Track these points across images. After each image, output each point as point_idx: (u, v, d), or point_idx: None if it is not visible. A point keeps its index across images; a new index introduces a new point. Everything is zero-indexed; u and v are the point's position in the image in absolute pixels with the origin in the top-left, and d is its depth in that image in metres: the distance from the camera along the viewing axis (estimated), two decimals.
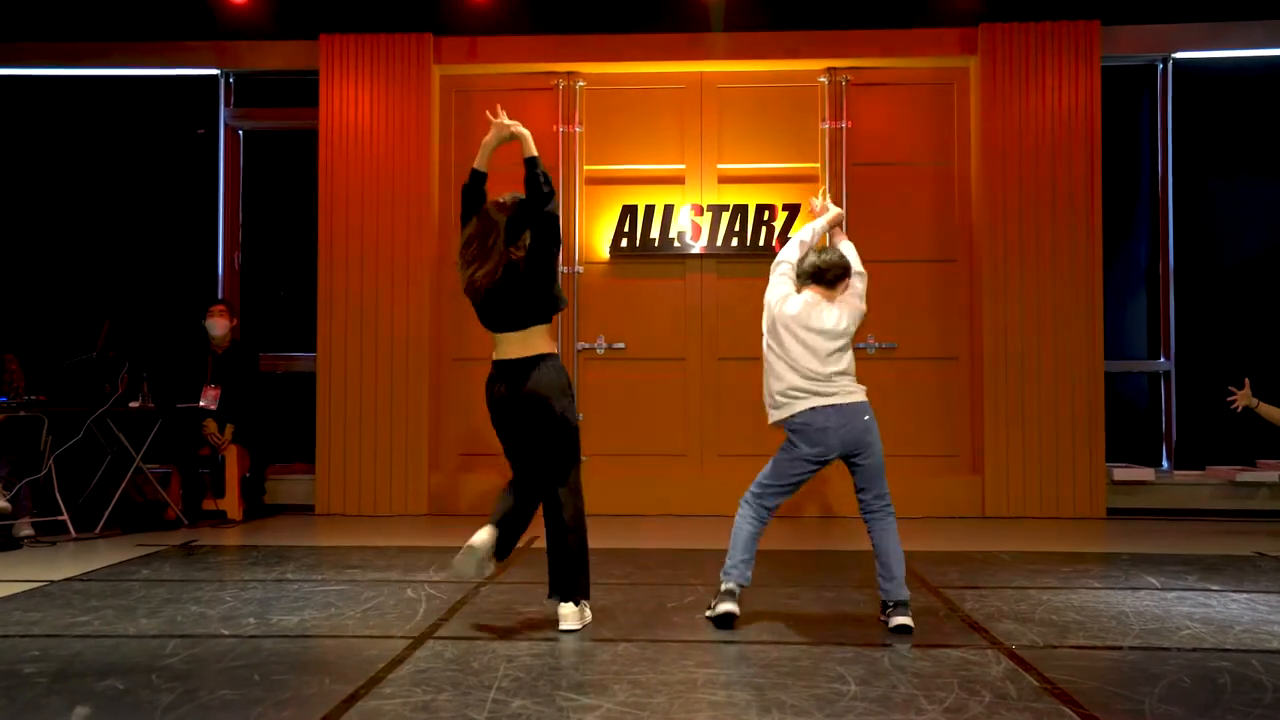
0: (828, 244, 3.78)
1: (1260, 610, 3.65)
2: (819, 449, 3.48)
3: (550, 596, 3.46)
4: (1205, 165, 6.85)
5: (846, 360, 3.57)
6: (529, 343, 3.39)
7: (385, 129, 6.59)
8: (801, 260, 3.66)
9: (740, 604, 3.49)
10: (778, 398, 3.55)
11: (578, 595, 3.41)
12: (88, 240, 7.11)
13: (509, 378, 3.39)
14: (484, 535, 3.31)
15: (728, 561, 3.55)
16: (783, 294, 3.62)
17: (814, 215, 3.90)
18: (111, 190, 7.14)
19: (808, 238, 3.73)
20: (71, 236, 7.11)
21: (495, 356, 3.46)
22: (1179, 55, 6.77)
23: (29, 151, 7.17)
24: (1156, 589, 4.04)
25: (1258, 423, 5.27)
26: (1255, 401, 5.29)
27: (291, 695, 2.64)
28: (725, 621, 3.43)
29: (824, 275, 3.59)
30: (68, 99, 7.15)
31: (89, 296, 6.99)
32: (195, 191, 7.11)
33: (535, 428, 3.38)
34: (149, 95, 7.15)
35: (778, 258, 3.72)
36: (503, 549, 3.41)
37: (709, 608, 3.57)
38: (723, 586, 3.51)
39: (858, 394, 3.53)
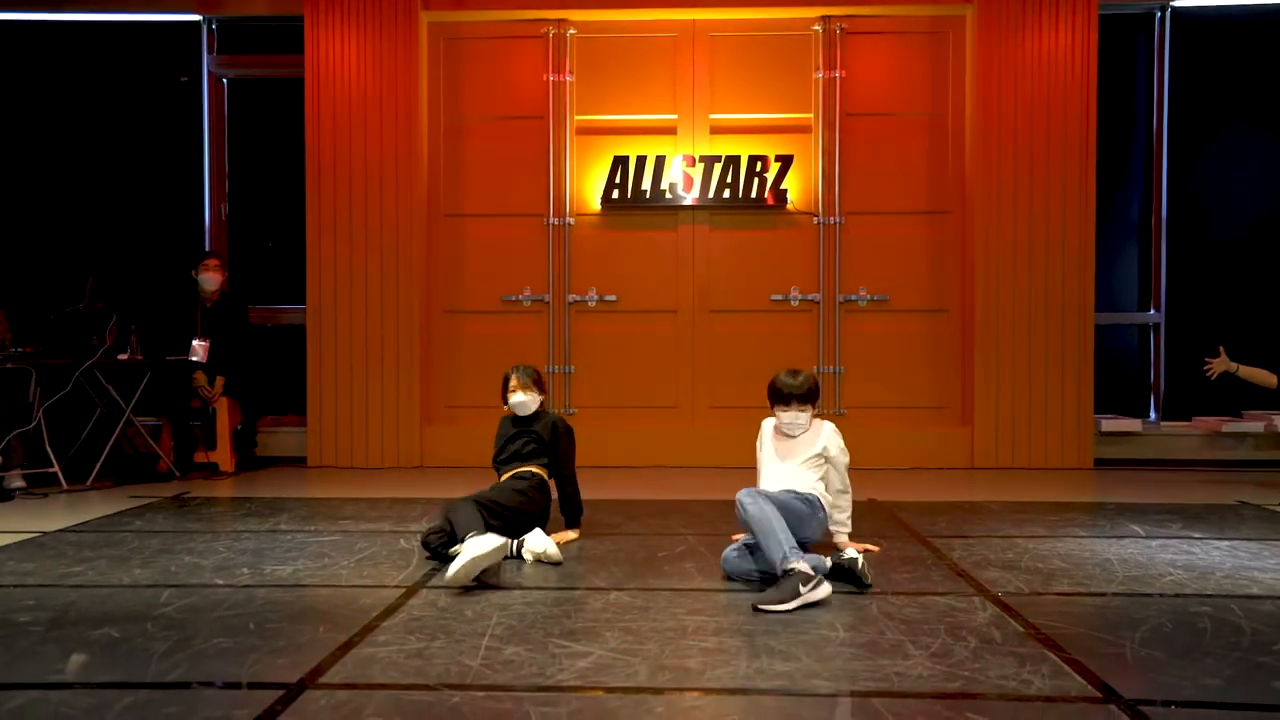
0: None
1: (1241, 557, 3.71)
2: None
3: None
4: (1202, 116, 6.81)
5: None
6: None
7: (373, 77, 6.48)
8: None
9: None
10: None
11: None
12: (71, 191, 7.03)
13: None
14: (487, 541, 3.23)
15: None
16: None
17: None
18: (94, 140, 7.04)
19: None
20: (55, 188, 7.03)
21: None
22: (1177, 3, 6.69)
23: (7, 102, 7.05)
24: (1141, 537, 4.10)
25: (1241, 380, 5.32)
26: (1234, 366, 5.31)
27: (286, 643, 2.67)
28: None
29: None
30: (46, 46, 7.02)
31: (74, 248, 6.93)
32: (180, 141, 7.01)
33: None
34: (130, 42, 7.01)
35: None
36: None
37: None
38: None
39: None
